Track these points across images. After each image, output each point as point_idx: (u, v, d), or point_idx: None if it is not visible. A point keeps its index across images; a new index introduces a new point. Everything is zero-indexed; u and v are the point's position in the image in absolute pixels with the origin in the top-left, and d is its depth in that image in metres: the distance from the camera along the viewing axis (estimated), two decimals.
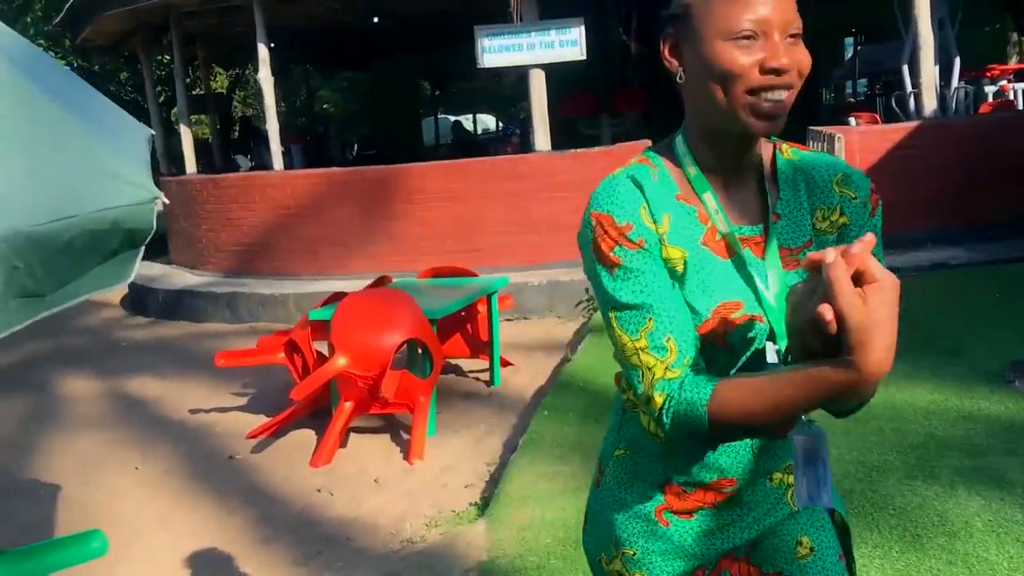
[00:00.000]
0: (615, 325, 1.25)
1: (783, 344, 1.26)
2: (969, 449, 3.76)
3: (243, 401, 6.14)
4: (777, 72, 1.18)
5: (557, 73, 9.14)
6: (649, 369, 1.23)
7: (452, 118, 23.79)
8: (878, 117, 10.50)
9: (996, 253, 7.78)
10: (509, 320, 7.78)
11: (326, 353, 5.14)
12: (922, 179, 8.15)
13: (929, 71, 8.49)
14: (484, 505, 4.02)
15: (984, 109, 10.48)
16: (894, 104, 10.24)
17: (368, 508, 4.30)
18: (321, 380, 4.79)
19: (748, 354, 1.30)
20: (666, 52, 1.29)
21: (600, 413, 4.79)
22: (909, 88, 9.49)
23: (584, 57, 8.49)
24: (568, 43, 8.46)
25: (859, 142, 8.09)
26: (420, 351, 5.13)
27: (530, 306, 7.96)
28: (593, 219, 1.25)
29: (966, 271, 7.41)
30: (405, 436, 5.12)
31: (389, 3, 11.71)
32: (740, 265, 1.29)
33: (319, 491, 4.55)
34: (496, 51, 8.51)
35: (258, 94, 19.94)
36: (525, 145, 10.75)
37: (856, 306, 0.96)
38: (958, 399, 4.38)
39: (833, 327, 0.97)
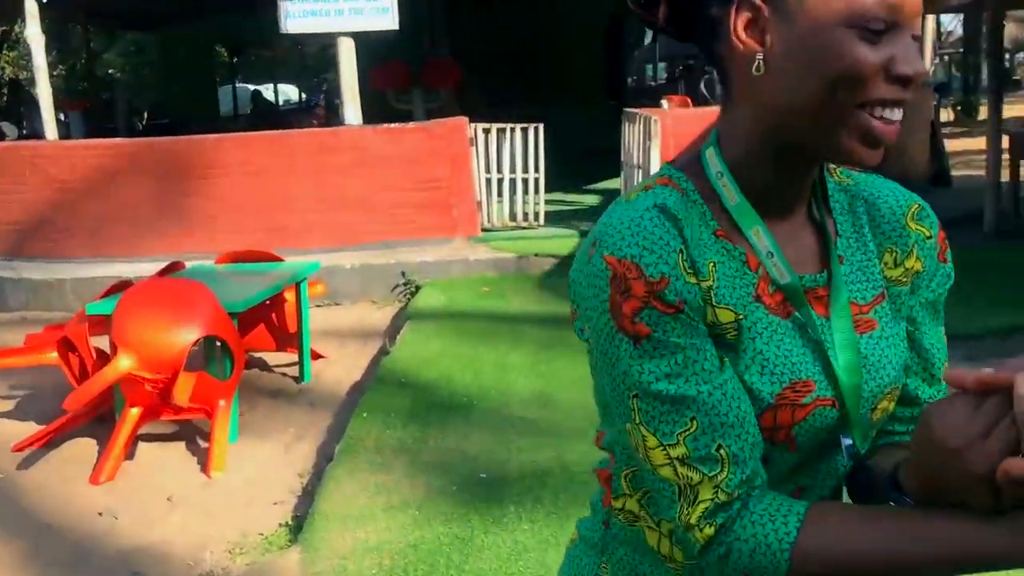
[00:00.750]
0: (639, 422, 0.89)
1: (858, 437, 0.95)
2: None
3: (8, 407, 5.31)
4: (906, 82, 0.85)
5: (367, 42, 8.62)
6: (692, 488, 0.87)
7: (252, 87, 22.58)
8: (689, 100, 10.67)
9: None
10: (319, 306, 7.25)
11: (108, 352, 4.48)
12: None
13: None
14: (297, 527, 3.56)
15: None
16: (703, 87, 10.41)
17: (160, 533, 3.73)
18: (101, 386, 4.15)
19: (813, 454, 0.96)
20: (739, 27, 0.89)
21: (426, 412, 4.43)
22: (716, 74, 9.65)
23: (396, 27, 8.02)
24: (379, 10, 7.95)
25: (673, 126, 8.10)
26: (219, 348, 4.56)
27: (342, 290, 7.45)
28: (610, 267, 0.87)
29: None
30: (203, 445, 4.54)
31: None
32: (806, 329, 0.94)
33: (101, 514, 3.92)
34: (301, 16, 7.88)
35: (29, 54, 18.10)
36: (330, 117, 10.15)
37: None
38: None
39: None
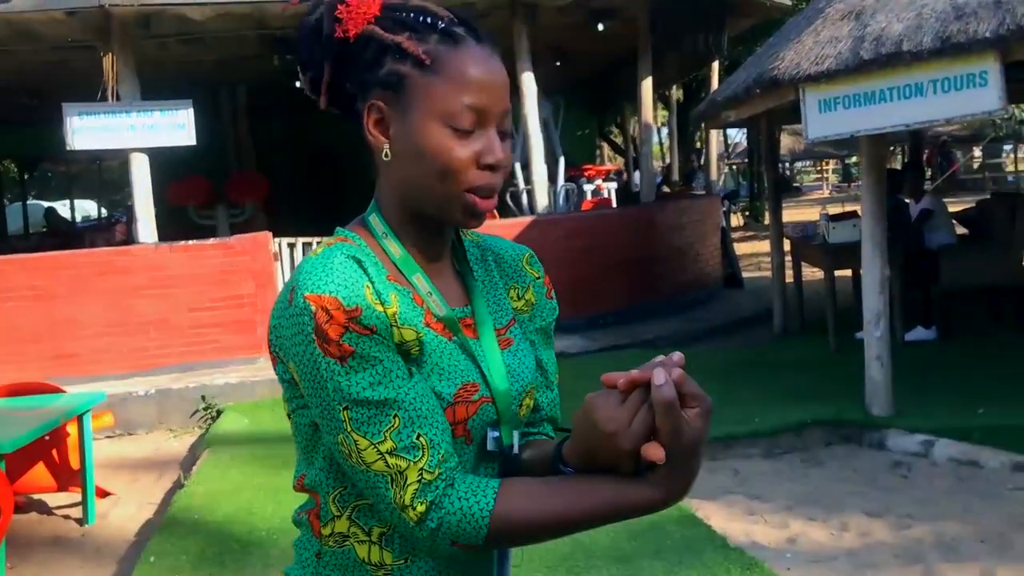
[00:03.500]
0: (350, 430, 1.06)
1: (506, 431, 1.19)
2: (616, 555, 3.66)
3: None
4: (494, 168, 1.12)
5: (167, 156, 8.34)
6: (401, 474, 1.05)
7: (46, 204, 21.31)
8: (495, 212, 10.90)
9: (609, 340, 8.24)
10: (110, 437, 6.73)
11: None
12: None
13: (540, 169, 8.94)
14: None
15: (586, 206, 11.31)
16: (508, 200, 10.68)
17: None
18: None
19: (481, 448, 1.20)
20: (370, 125, 1.14)
21: (220, 552, 4.09)
22: (522, 185, 9.95)
23: (193, 143, 7.81)
24: (176, 126, 7.73)
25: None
26: None
27: (135, 419, 6.96)
28: (312, 304, 1.05)
29: (585, 359, 7.73)
30: None
31: None
32: (465, 347, 1.18)
33: None
34: (90, 132, 7.53)
35: None
36: (132, 234, 9.67)
37: (685, 432, 0.97)
38: None
39: (662, 458, 0.98)
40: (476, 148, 1.11)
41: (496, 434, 1.17)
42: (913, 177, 8.33)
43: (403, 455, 1.05)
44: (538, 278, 1.33)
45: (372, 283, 1.09)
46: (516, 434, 1.20)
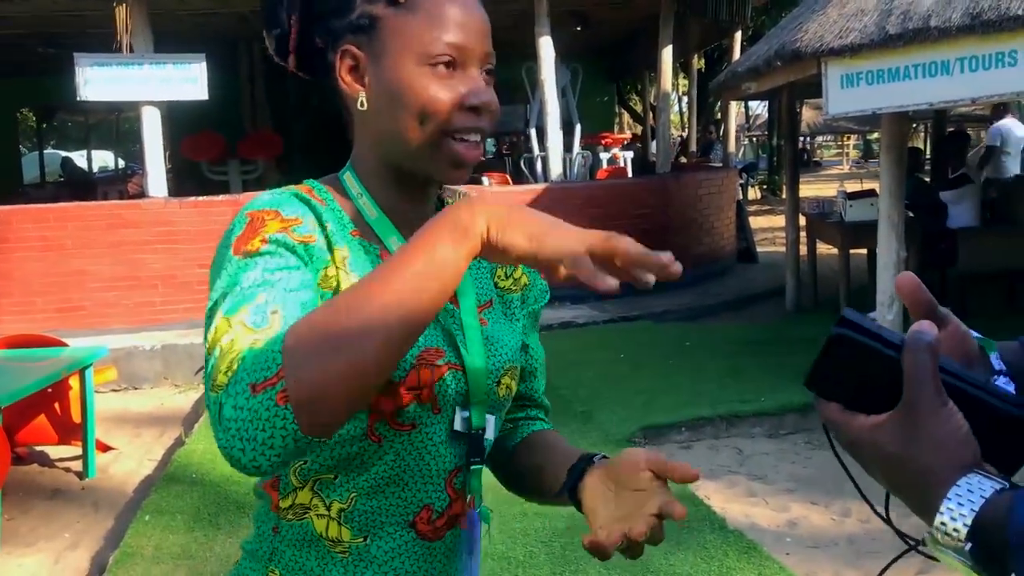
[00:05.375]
0: (217, 314, 0.91)
1: (478, 413, 1.09)
2: None
3: None
4: (478, 110, 1.04)
5: (181, 111, 8.28)
6: (232, 344, 0.87)
7: (63, 154, 21.30)
8: (508, 178, 10.81)
9: (617, 311, 8.17)
10: (116, 391, 6.74)
11: None
12: None
13: (556, 136, 8.82)
14: None
15: (601, 175, 11.19)
16: (523, 165, 10.58)
17: None
18: None
19: (452, 428, 1.09)
20: (344, 72, 1.07)
21: (216, 513, 4.09)
22: (537, 151, 9.84)
23: (205, 97, 7.73)
24: (188, 80, 7.65)
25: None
26: None
27: (141, 374, 6.96)
28: (249, 216, 0.99)
29: (592, 329, 7.67)
30: None
31: None
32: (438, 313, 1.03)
33: None
34: (101, 83, 7.46)
35: None
36: (145, 187, 9.64)
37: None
38: None
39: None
40: (459, 89, 1.03)
41: (465, 414, 1.08)
42: (956, 149, 8.09)
43: (250, 326, 0.88)
44: None
45: (322, 225, 1.03)
46: (492, 419, 1.11)
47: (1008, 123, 9.28)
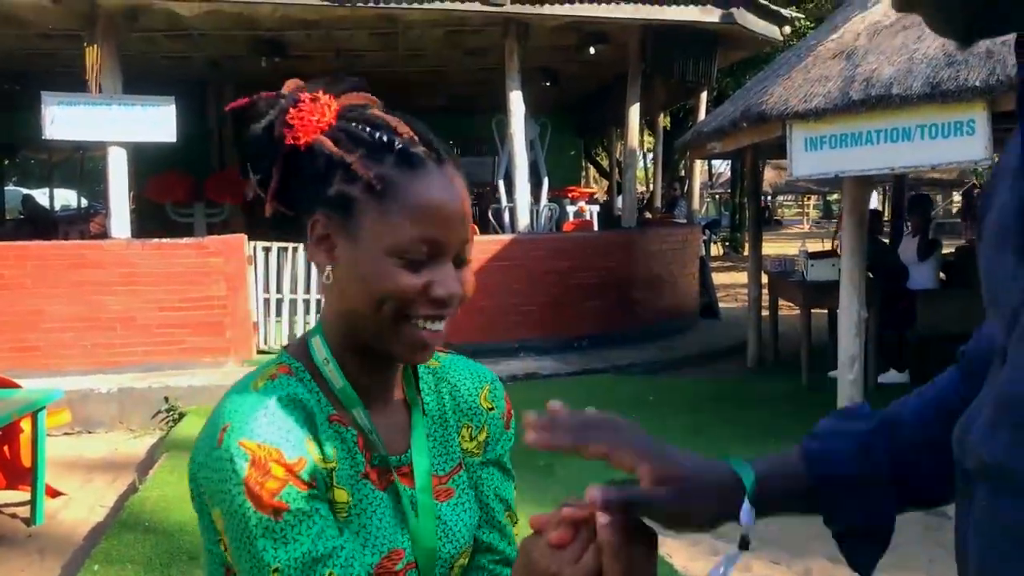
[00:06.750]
0: None
1: None
2: None
3: None
4: (444, 301, 1.02)
5: (147, 151, 8.23)
6: None
7: (24, 191, 21.03)
8: (475, 228, 10.84)
9: (581, 364, 8.17)
10: (69, 434, 6.58)
11: None
12: (516, 291, 8.40)
13: (524, 188, 8.89)
14: None
15: (567, 227, 11.27)
16: (491, 216, 10.63)
17: None
18: None
19: None
20: (313, 239, 1.05)
21: (168, 562, 3.97)
22: (505, 202, 9.90)
23: (174, 139, 7.69)
24: (157, 122, 7.62)
25: None
26: None
27: (95, 417, 6.82)
28: (248, 452, 0.94)
29: (555, 381, 7.66)
30: None
31: None
32: (396, 499, 1.08)
33: None
34: (68, 122, 7.40)
35: None
36: (108, 227, 9.54)
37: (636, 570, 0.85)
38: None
39: None
40: (426, 279, 1.00)
41: None
42: (922, 211, 8.18)
43: None
44: (492, 409, 1.20)
45: (315, 432, 1.00)
46: None
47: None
